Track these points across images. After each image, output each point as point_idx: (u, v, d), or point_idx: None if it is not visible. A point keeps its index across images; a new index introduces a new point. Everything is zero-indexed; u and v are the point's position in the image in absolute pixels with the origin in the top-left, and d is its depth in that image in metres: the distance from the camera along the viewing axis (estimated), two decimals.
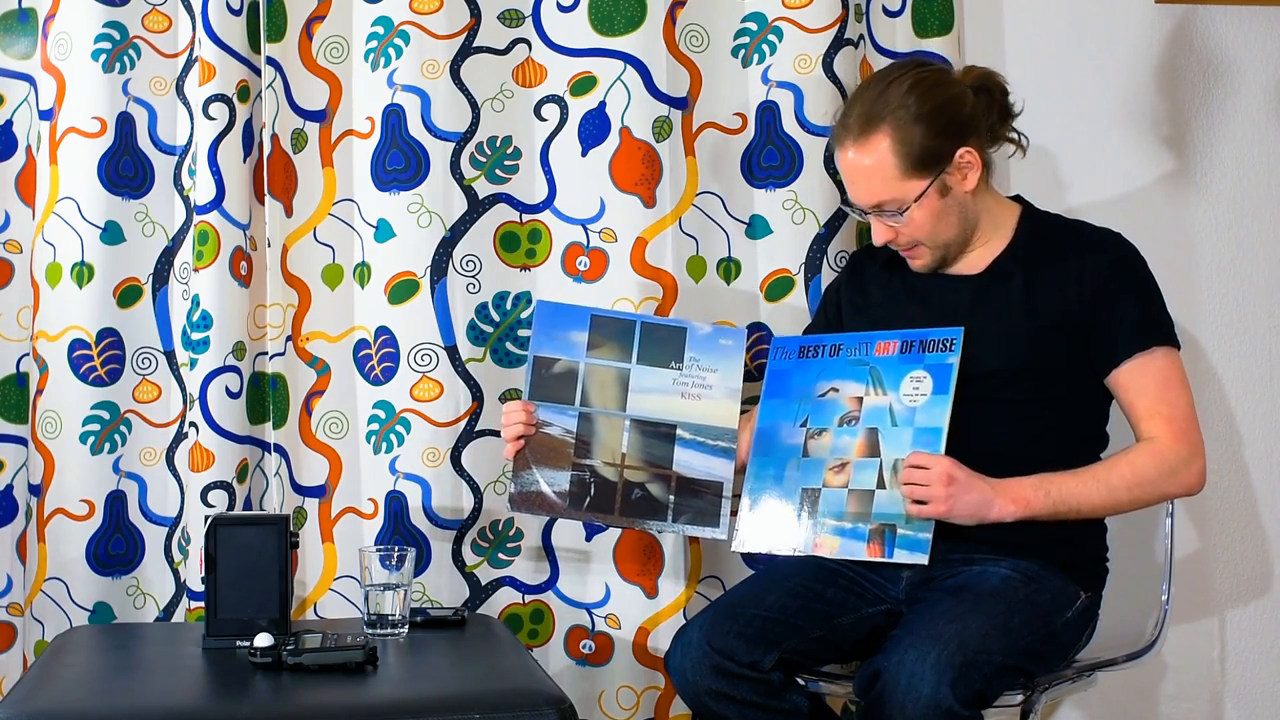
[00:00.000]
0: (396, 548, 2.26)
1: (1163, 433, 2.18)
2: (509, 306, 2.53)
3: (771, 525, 2.24)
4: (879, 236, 2.24)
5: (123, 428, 2.53)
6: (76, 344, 2.49)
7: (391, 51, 2.50)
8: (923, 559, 2.11)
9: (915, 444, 2.13)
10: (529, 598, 2.55)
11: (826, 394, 2.23)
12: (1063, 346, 2.20)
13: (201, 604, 2.34)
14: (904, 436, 2.15)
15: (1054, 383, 2.20)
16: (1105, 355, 2.20)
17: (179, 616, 2.52)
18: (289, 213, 2.53)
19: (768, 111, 2.57)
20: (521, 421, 2.29)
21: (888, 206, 2.20)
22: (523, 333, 2.51)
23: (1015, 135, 2.31)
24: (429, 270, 2.50)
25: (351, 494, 2.53)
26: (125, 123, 2.52)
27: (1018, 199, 2.34)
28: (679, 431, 2.26)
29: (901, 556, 2.12)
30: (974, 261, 2.28)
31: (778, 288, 2.57)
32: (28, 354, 2.54)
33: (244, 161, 2.48)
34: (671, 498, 2.25)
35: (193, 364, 2.45)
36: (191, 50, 2.49)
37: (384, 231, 2.50)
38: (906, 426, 2.15)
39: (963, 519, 2.10)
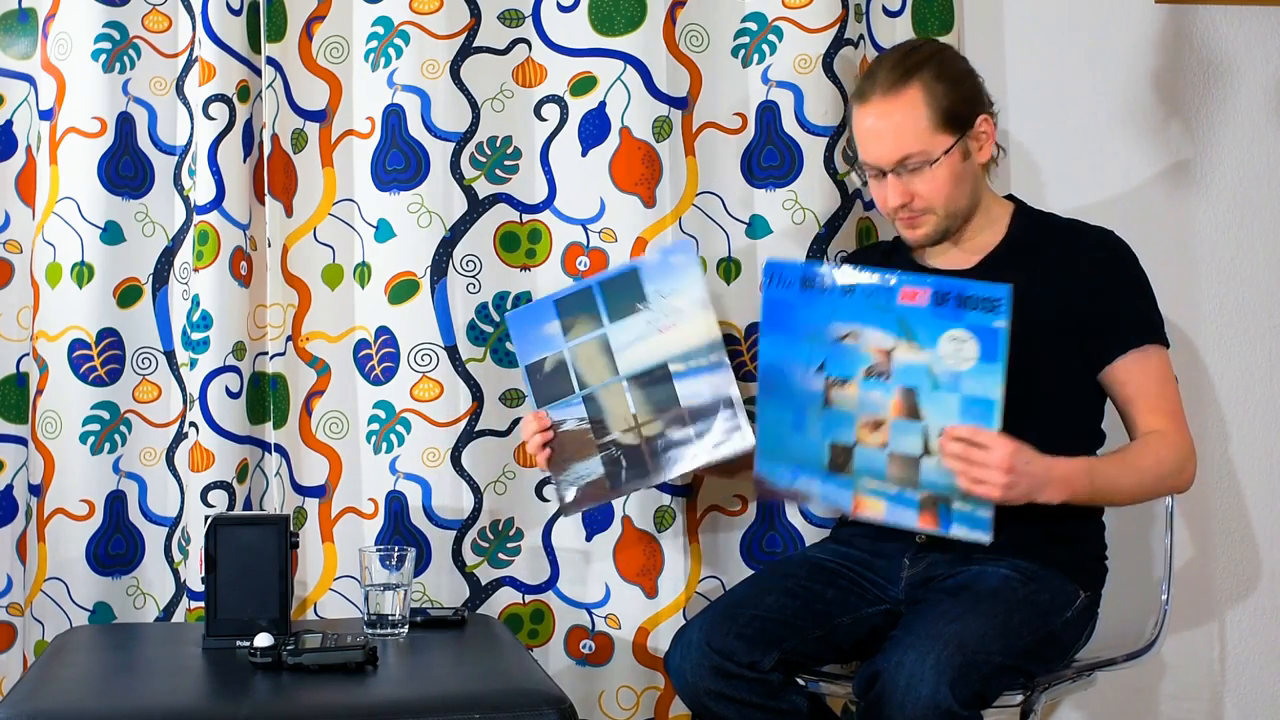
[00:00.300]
0: (396, 548, 2.26)
1: (1168, 427, 2.19)
2: (509, 306, 2.53)
3: (798, 474, 2.13)
4: (894, 198, 2.21)
5: (123, 428, 2.53)
6: (76, 344, 2.49)
7: (391, 51, 2.50)
8: (985, 539, 2.03)
9: (965, 416, 2.00)
10: (529, 598, 2.55)
11: (845, 338, 2.07)
12: (1056, 341, 2.20)
13: (201, 604, 2.34)
14: (949, 403, 2.01)
15: (1048, 378, 2.20)
16: (1101, 349, 2.20)
17: (179, 616, 2.52)
18: (289, 213, 2.53)
19: (768, 111, 2.57)
20: (538, 431, 2.29)
21: (912, 160, 2.19)
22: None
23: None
24: (429, 270, 2.50)
25: (352, 494, 2.53)
26: (125, 123, 2.52)
27: (1011, 198, 2.35)
28: (671, 367, 2.22)
29: (960, 533, 2.03)
30: (966, 255, 2.29)
31: None
32: (28, 354, 2.54)
33: (244, 161, 2.48)
34: (692, 431, 2.20)
35: (193, 364, 2.45)
36: (191, 50, 2.49)
37: (384, 231, 2.50)
38: (951, 392, 2.00)
39: (1012, 503, 2.02)
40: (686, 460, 2.25)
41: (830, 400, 2.09)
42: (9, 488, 2.55)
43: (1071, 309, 2.20)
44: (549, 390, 2.30)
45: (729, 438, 2.24)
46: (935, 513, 2.05)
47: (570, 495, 2.27)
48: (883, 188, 2.23)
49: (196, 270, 2.44)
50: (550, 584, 2.56)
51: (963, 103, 2.21)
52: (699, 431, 2.20)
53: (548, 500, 2.54)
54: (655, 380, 2.22)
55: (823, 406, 2.09)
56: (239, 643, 2.11)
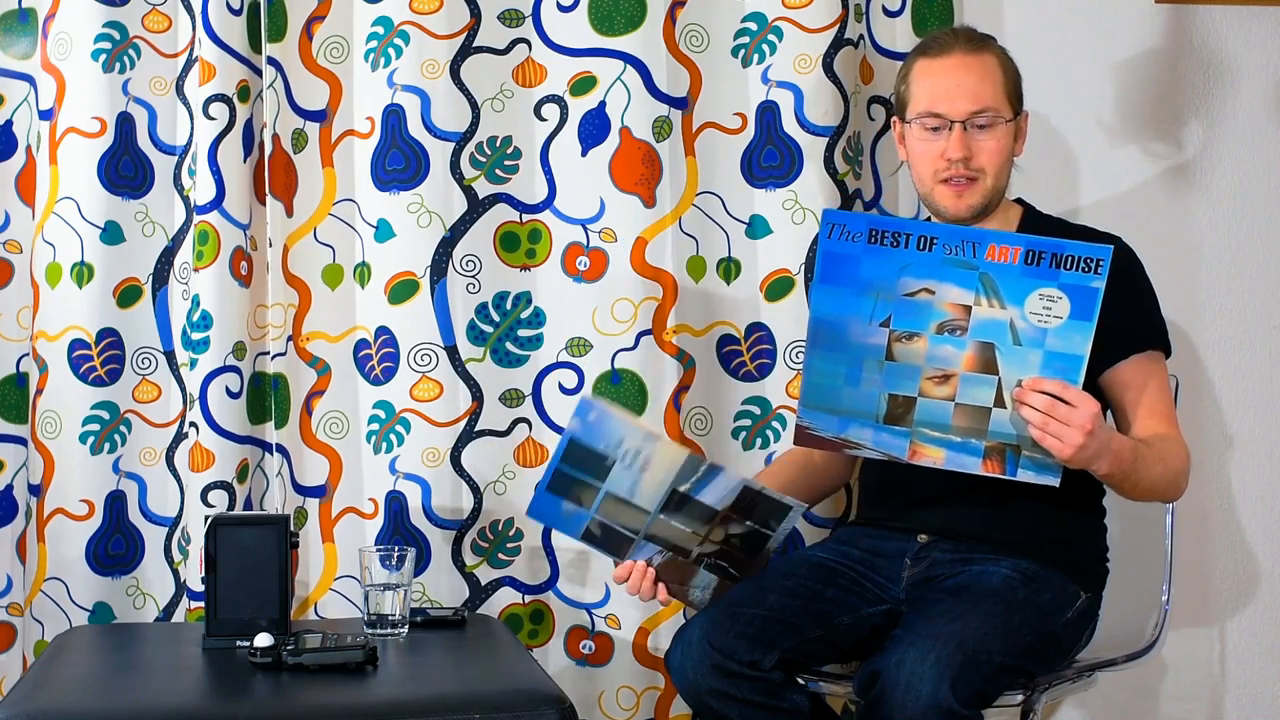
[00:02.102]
0: (396, 548, 2.26)
1: (1169, 432, 2.19)
2: (509, 306, 2.53)
3: (848, 424, 2.05)
4: (956, 150, 2.20)
5: (123, 428, 2.53)
6: (76, 344, 2.49)
7: (391, 51, 2.50)
8: (1054, 481, 2.01)
9: (1046, 371, 1.95)
10: (529, 598, 2.55)
11: (917, 294, 1.99)
12: None
13: (201, 604, 2.34)
14: (1030, 359, 1.94)
15: None
16: (1104, 352, 2.20)
17: (179, 616, 2.52)
18: (289, 213, 2.53)
19: (768, 111, 2.57)
20: (641, 576, 2.17)
21: (985, 115, 2.22)
22: (523, 332, 2.51)
23: None
24: (429, 270, 2.50)
25: (352, 494, 2.53)
26: (125, 123, 2.52)
27: (1019, 202, 2.35)
28: (680, 489, 2.12)
29: (1026, 477, 2.00)
30: None
31: (778, 288, 2.57)
32: (28, 354, 2.54)
33: (244, 161, 2.48)
34: (749, 522, 2.12)
35: (193, 364, 2.45)
36: (191, 50, 2.49)
37: (384, 231, 2.50)
38: (1034, 348, 1.94)
39: (1073, 465, 2.01)
40: (772, 538, 2.14)
41: (893, 355, 2.02)
42: (9, 488, 2.55)
43: None
44: (616, 546, 2.18)
45: (776, 511, 2.12)
46: (1002, 459, 2.01)
47: (706, 601, 2.19)
48: (941, 140, 2.22)
49: (196, 270, 2.44)
50: (550, 584, 2.56)
51: (1017, 90, 2.28)
52: (756, 519, 2.12)
53: None
54: (680, 503, 2.12)
55: (883, 360, 2.02)
56: (239, 643, 2.11)
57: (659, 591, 2.18)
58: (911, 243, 1.99)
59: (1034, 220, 2.31)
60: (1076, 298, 1.95)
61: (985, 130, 2.22)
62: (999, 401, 1.99)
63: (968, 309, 1.98)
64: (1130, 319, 2.20)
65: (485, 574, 2.54)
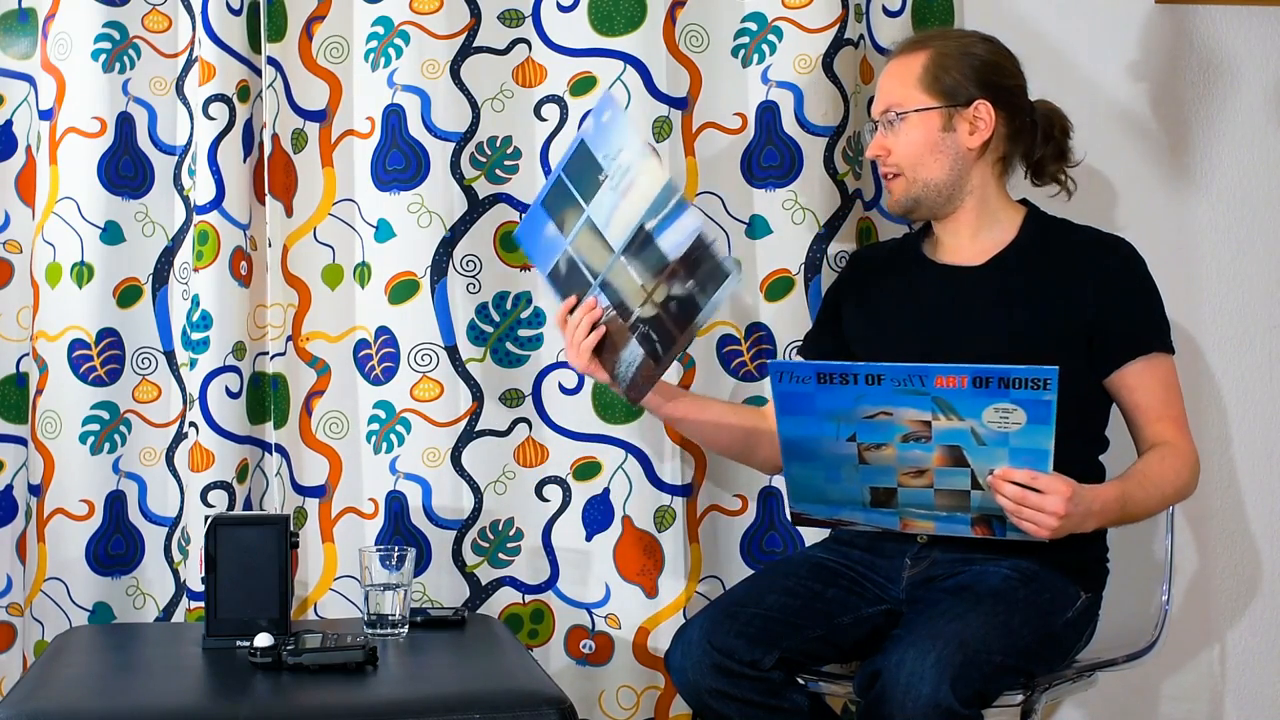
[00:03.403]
0: (396, 548, 2.26)
1: (1176, 437, 2.20)
2: (509, 306, 2.53)
3: (838, 510, 2.11)
4: (870, 150, 2.29)
5: (122, 428, 2.53)
6: (76, 344, 2.49)
7: (391, 51, 2.50)
8: (1044, 536, 2.03)
9: (1015, 461, 1.99)
10: (529, 598, 2.55)
11: (876, 416, 2.03)
12: (1061, 345, 2.20)
13: (201, 604, 2.34)
14: (998, 455, 1.99)
15: None
16: (1109, 355, 2.21)
17: (179, 616, 2.52)
18: (289, 213, 2.53)
19: (768, 111, 2.57)
20: (588, 316, 2.22)
21: (889, 114, 2.26)
22: (523, 332, 2.52)
23: (1063, 178, 2.35)
24: (429, 270, 2.50)
25: (352, 494, 2.53)
26: (125, 123, 2.52)
27: (1024, 202, 2.35)
28: (646, 227, 2.17)
29: (1016, 536, 2.04)
30: (976, 252, 2.29)
31: (778, 288, 2.57)
32: (28, 354, 2.54)
33: (244, 161, 2.48)
34: (691, 282, 2.15)
35: (193, 364, 2.45)
36: (191, 50, 2.49)
37: (384, 231, 2.50)
38: (999, 447, 1.98)
39: (1052, 537, 2.04)
40: (702, 315, 2.16)
41: (866, 460, 2.07)
42: (9, 488, 2.55)
43: (1079, 313, 2.20)
44: (572, 290, 2.28)
45: (718, 277, 2.13)
46: (989, 524, 2.06)
47: (626, 383, 2.23)
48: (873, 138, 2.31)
49: (196, 270, 2.44)
50: (550, 584, 2.56)
51: (965, 79, 2.25)
52: (698, 282, 2.13)
53: (548, 500, 2.55)
54: (642, 246, 2.19)
55: (857, 465, 2.07)
56: (239, 643, 2.11)
57: (588, 343, 2.23)
58: (860, 380, 2.01)
59: (1038, 221, 2.31)
60: (1031, 409, 1.96)
61: (893, 126, 2.26)
62: (975, 485, 2.04)
63: (928, 424, 2.01)
64: (1133, 322, 2.20)
65: (485, 574, 2.54)
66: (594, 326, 2.25)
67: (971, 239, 2.30)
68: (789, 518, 2.19)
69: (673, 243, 2.15)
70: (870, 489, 2.08)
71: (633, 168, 2.19)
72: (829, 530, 2.47)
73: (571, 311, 2.27)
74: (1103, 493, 2.09)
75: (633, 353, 2.21)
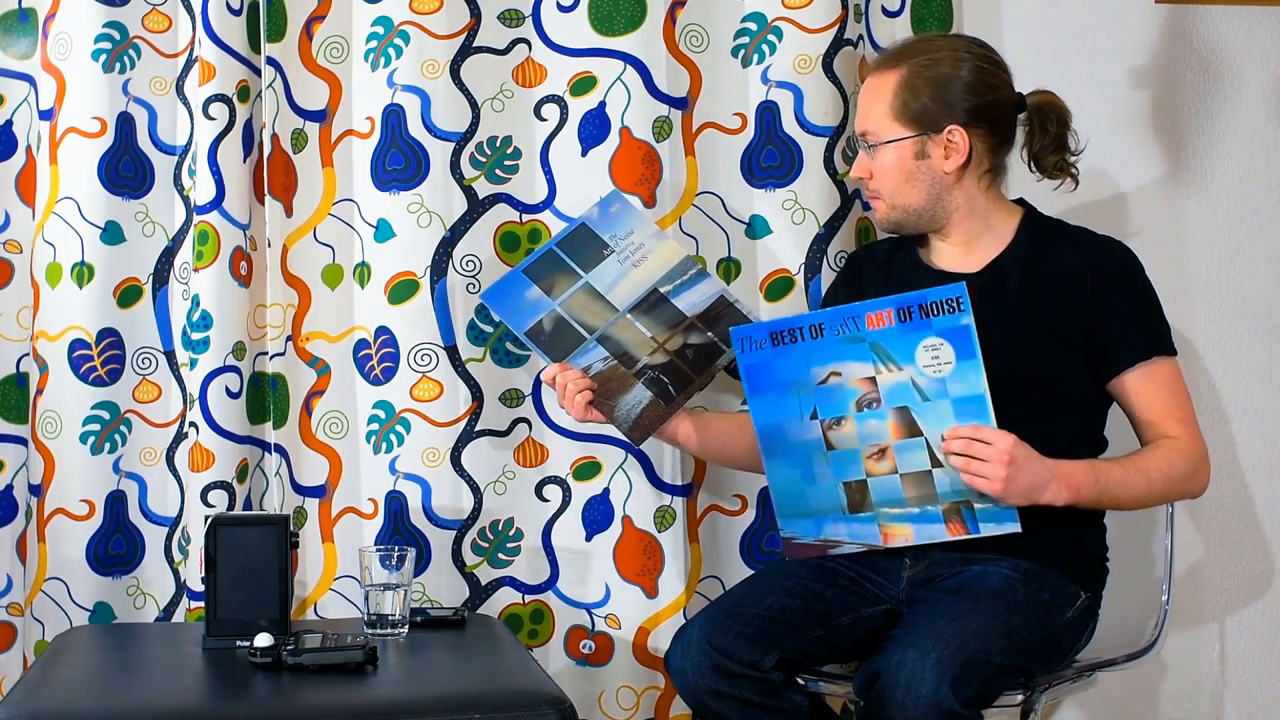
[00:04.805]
0: (396, 548, 2.26)
1: (1182, 433, 2.19)
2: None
3: (821, 523, 2.18)
4: (854, 171, 2.31)
5: (123, 428, 2.53)
6: (76, 344, 2.49)
7: (391, 51, 2.50)
8: (1015, 528, 2.07)
9: (959, 417, 2.05)
10: (529, 598, 2.55)
11: (828, 379, 2.12)
12: (1059, 349, 2.20)
13: (201, 604, 2.34)
14: (942, 410, 2.06)
15: (1050, 385, 2.20)
16: (1109, 360, 2.20)
17: (179, 616, 2.52)
18: (289, 213, 2.53)
19: (767, 111, 2.57)
20: (573, 380, 2.30)
21: (867, 138, 2.27)
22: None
23: (1066, 166, 2.32)
24: (429, 270, 2.50)
25: (351, 494, 2.53)
26: (125, 123, 2.52)
27: (1021, 202, 2.34)
28: (660, 290, 2.36)
29: (990, 530, 2.08)
30: (972, 260, 2.28)
31: (778, 288, 2.57)
32: (28, 354, 2.55)
33: (244, 161, 2.48)
34: (710, 333, 2.35)
35: (193, 364, 2.45)
36: (191, 50, 2.50)
37: (384, 231, 2.50)
38: (941, 399, 2.06)
39: (1014, 501, 2.06)
40: (723, 360, 2.36)
41: (831, 443, 2.14)
42: (9, 488, 2.55)
43: (1076, 317, 2.19)
44: (561, 345, 2.34)
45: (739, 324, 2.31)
46: (960, 519, 2.10)
47: (629, 425, 2.32)
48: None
49: (196, 270, 2.44)
50: (550, 584, 2.56)
51: (936, 105, 2.21)
52: (717, 333, 2.35)
53: (548, 500, 2.55)
54: (654, 304, 2.35)
55: (826, 451, 2.15)
56: (239, 643, 2.11)
57: (582, 399, 2.29)
58: (805, 333, 2.13)
59: (1034, 222, 2.31)
60: (954, 339, 2.05)
61: (871, 151, 2.27)
62: (935, 462, 2.08)
63: (873, 380, 2.10)
64: (1132, 328, 2.19)
65: (485, 574, 2.54)
66: (585, 389, 2.31)
67: (965, 248, 2.29)
68: (783, 549, 2.23)
69: (691, 302, 2.36)
70: (844, 486, 2.14)
71: (645, 245, 2.38)
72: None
73: (556, 377, 2.32)
74: (1067, 463, 2.09)
75: (636, 396, 2.31)
